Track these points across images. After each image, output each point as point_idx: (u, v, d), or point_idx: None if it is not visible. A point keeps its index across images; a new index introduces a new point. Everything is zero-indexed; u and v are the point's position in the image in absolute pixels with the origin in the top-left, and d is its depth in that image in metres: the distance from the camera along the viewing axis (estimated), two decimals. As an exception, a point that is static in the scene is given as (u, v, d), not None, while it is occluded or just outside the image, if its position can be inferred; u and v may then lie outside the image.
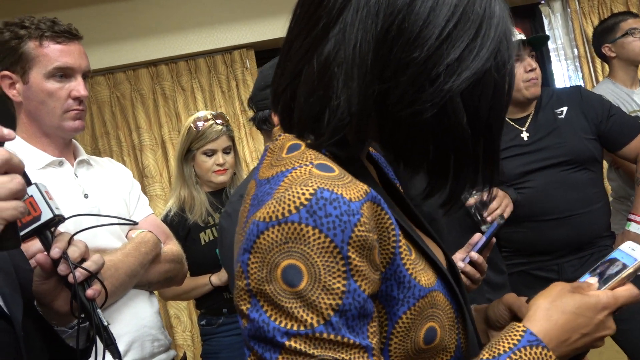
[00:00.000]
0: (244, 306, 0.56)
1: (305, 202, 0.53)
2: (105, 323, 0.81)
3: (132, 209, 1.47)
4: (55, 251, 0.79)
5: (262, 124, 1.25)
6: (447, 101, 0.57)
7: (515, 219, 1.87)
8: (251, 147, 3.26)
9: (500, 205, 1.63)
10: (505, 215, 1.63)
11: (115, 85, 3.24)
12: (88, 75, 1.37)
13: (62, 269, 0.79)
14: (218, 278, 1.95)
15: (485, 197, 1.60)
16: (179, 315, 3.12)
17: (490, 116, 0.60)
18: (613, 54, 2.35)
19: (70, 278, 0.78)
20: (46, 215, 0.78)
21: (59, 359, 0.87)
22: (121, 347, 1.26)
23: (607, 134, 1.91)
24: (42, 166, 1.32)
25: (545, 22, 3.61)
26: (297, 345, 0.53)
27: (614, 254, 0.71)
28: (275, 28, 3.23)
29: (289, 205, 0.54)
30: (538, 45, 1.97)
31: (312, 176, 0.56)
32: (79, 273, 0.80)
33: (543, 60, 3.62)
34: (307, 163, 0.58)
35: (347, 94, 0.58)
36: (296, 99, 0.62)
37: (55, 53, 1.29)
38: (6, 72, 1.29)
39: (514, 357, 0.58)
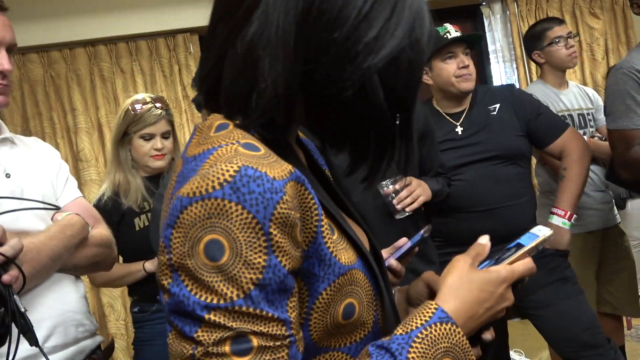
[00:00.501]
0: (165, 281, 0.57)
1: (229, 179, 0.55)
2: (23, 309, 0.78)
3: (60, 190, 1.41)
4: None
5: (201, 107, 1.24)
6: (366, 79, 0.60)
7: (447, 210, 1.94)
8: (192, 133, 3.21)
9: (412, 194, 1.67)
10: (416, 204, 1.67)
11: (50, 64, 3.10)
12: (13, 49, 1.29)
13: None
14: (152, 264, 1.91)
15: (399, 187, 1.64)
16: (112, 303, 3.04)
17: (406, 93, 0.64)
18: (542, 60, 2.47)
19: None
20: None
21: None
22: (43, 331, 1.22)
23: (535, 131, 2.01)
24: None
25: (486, 23, 3.74)
26: (217, 319, 0.54)
27: (521, 239, 0.76)
28: (221, 14, 3.18)
29: (212, 181, 0.55)
30: (474, 44, 2.04)
31: (238, 154, 0.57)
32: None
33: (482, 61, 3.76)
34: (234, 142, 0.59)
35: (273, 75, 0.59)
36: (222, 81, 0.63)
37: None
38: None
39: (424, 332, 0.61)
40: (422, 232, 1.09)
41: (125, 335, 3.01)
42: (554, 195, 2.14)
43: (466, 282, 0.66)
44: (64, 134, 3.11)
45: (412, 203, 1.67)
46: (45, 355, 0.80)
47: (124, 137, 2.03)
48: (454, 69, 1.96)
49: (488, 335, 0.69)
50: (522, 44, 3.20)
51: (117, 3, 3.08)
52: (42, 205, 1.18)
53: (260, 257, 0.55)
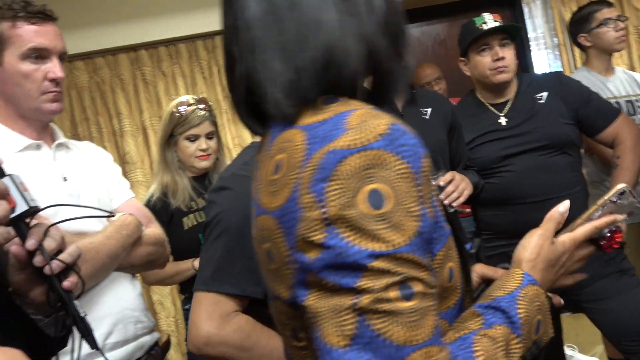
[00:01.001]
0: (317, 237, 0.57)
1: (384, 132, 0.58)
2: (82, 314, 0.81)
3: (113, 192, 1.46)
4: (31, 243, 0.78)
5: None
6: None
7: (495, 202, 1.91)
8: (233, 132, 3.25)
9: (457, 188, 1.65)
10: (462, 198, 1.65)
11: (95, 71, 3.20)
12: (64, 57, 1.35)
13: (38, 260, 0.78)
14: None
15: (441, 183, 1.63)
16: (162, 301, 3.12)
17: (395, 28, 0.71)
18: (589, 44, 2.39)
19: (47, 270, 0.77)
20: (21, 207, 0.78)
21: (35, 345, 0.86)
22: (104, 329, 1.27)
23: (586, 119, 1.95)
24: (19, 149, 1.30)
25: (525, 10, 3.65)
26: (383, 265, 0.55)
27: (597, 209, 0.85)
28: (258, 13, 3.21)
29: (368, 134, 0.58)
30: (514, 34, 2.00)
31: (380, 113, 0.61)
32: (55, 265, 0.79)
33: (523, 49, 3.67)
34: (359, 107, 0.63)
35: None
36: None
37: (29, 34, 1.26)
38: None
39: (523, 292, 0.69)
40: (469, 246, 1.06)
41: (176, 332, 3.09)
42: (603, 185, 2.08)
43: (539, 260, 0.76)
44: (110, 137, 3.21)
45: (458, 197, 1.65)
46: (104, 357, 0.83)
47: (169, 139, 2.08)
48: (488, 62, 1.94)
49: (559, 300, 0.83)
50: (566, 29, 3.10)
51: (157, 9, 3.15)
52: (98, 213, 1.22)
53: (416, 206, 0.57)
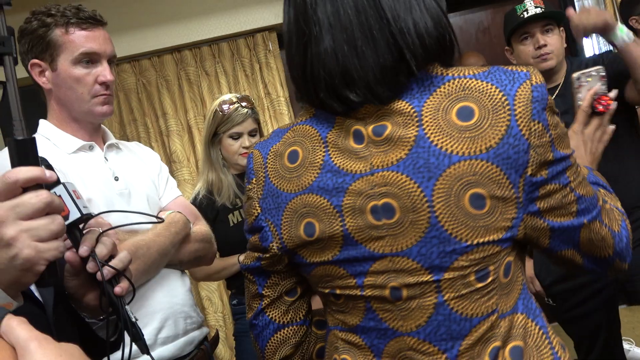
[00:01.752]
0: (550, 156, 0.72)
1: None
2: (134, 319, 0.82)
3: (162, 190, 1.50)
4: (84, 249, 0.80)
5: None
6: None
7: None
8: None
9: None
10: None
11: (141, 72, 3.28)
12: (114, 61, 1.40)
13: (90, 266, 0.80)
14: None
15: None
16: (210, 297, 3.18)
17: None
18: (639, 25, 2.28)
19: (99, 275, 0.79)
20: (74, 215, 0.79)
21: (89, 347, 0.89)
22: (155, 324, 1.31)
23: (616, 73, 1.81)
24: (73, 150, 1.35)
25: (574, -8, 3.51)
26: (573, 160, 0.77)
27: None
28: (297, 9, 3.21)
29: (539, 74, 0.75)
30: (559, 19, 1.93)
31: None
32: (107, 271, 0.81)
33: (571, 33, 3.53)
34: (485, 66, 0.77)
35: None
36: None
37: (80, 39, 1.31)
38: (36, 61, 1.32)
39: (594, 172, 0.95)
40: None
41: (224, 327, 3.15)
42: None
43: (588, 155, 1.09)
44: (157, 137, 3.29)
45: None
46: (152, 358, 0.85)
47: (214, 138, 2.12)
48: (531, 50, 1.92)
49: None
50: (617, 12, 2.96)
51: (199, 9, 3.20)
52: (146, 219, 1.25)
53: None
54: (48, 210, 0.68)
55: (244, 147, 2.08)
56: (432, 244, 0.71)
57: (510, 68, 0.74)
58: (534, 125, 0.71)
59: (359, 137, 0.76)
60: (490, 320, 0.74)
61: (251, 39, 3.29)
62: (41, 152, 1.23)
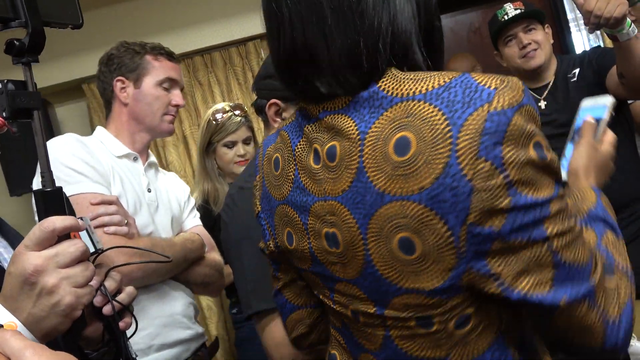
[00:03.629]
0: (503, 202, 0.58)
1: (523, 87, 0.61)
2: (134, 356, 0.83)
3: (185, 216, 1.62)
4: (94, 283, 0.79)
5: (259, 112, 1.27)
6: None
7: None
8: (271, 136, 3.28)
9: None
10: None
11: (135, 85, 3.29)
12: (182, 90, 1.62)
13: (98, 300, 0.80)
14: None
15: None
16: (211, 306, 3.18)
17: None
18: (633, 18, 2.29)
19: (105, 310, 0.78)
20: (89, 250, 0.80)
21: None
22: (151, 329, 1.34)
23: (600, 66, 1.82)
24: (119, 155, 1.51)
25: (562, -10, 3.54)
26: (557, 207, 0.60)
27: (578, 120, 1.02)
28: (288, 16, 3.23)
29: (518, 91, 0.60)
30: (540, 18, 1.95)
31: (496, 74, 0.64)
32: (114, 306, 0.81)
33: (562, 30, 3.55)
34: (459, 74, 0.64)
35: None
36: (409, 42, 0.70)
37: (167, 66, 1.57)
38: (121, 78, 1.54)
39: (603, 199, 0.78)
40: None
41: (226, 336, 3.14)
42: None
43: (592, 166, 0.88)
44: (152, 148, 3.28)
45: None
46: None
47: (208, 147, 2.12)
48: (516, 52, 1.94)
49: None
50: (606, 8, 2.97)
51: (189, 19, 3.22)
52: (159, 258, 1.27)
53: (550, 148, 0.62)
54: (82, 258, 0.71)
55: (239, 156, 2.08)
56: (370, 280, 0.67)
57: (478, 81, 0.60)
58: (480, 163, 0.57)
59: (317, 157, 0.71)
60: None
61: (243, 47, 3.30)
62: (95, 151, 1.41)
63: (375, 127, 0.64)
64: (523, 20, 1.92)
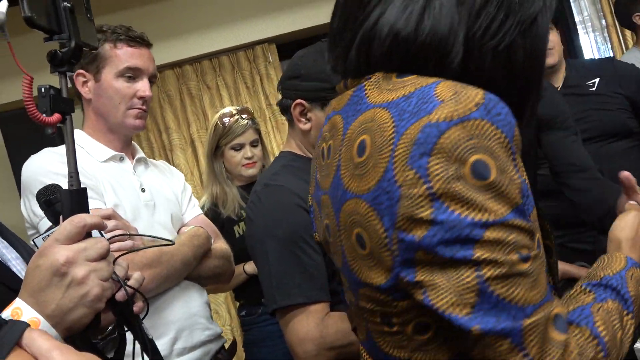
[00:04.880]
0: (424, 213, 0.57)
1: (481, 102, 0.57)
2: (150, 337, 0.85)
3: (184, 207, 1.56)
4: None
5: (284, 111, 1.29)
6: (519, 32, 0.65)
7: (548, 193, 1.85)
8: (278, 140, 3.29)
9: None
10: None
11: (143, 88, 3.31)
12: (154, 80, 1.47)
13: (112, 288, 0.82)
14: (250, 266, 1.99)
15: None
16: (217, 309, 3.19)
17: (534, 58, 0.68)
18: None
19: (118, 296, 0.81)
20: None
21: None
22: (172, 334, 1.32)
23: (634, 95, 1.86)
24: (104, 159, 1.41)
25: (570, -7, 3.53)
26: (496, 234, 0.56)
27: None
28: (296, 21, 3.24)
29: (466, 104, 0.57)
30: (555, 17, 1.94)
31: (468, 85, 0.60)
32: (127, 291, 0.83)
33: (570, 33, 3.54)
34: (439, 80, 0.61)
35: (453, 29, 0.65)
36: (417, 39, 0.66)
37: (127, 54, 1.39)
38: (81, 71, 1.39)
39: (629, 272, 0.69)
40: None
41: (232, 340, 3.14)
42: None
43: (638, 239, 0.78)
44: (160, 152, 3.31)
45: None
46: None
47: (216, 151, 2.14)
48: None
49: None
50: (615, 9, 2.97)
51: (198, 24, 3.24)
52: (160, 242, 1.28)
53: (516, 174, 0.58)
54: (106, 254, 0.75)
55: (246, 158, 2.09)
56: (346, 270, 0.70)
57: (437, 92, 0.59)
58: (407, 172, 0.57)
59: (322, 154, 0.77)
60: None
61: (251, 51, 3.32)
62: (78, 162, 1.31)
63: (351, 129, 0.67)
64: None
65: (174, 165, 3.29)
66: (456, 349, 0.63)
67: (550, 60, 1.89)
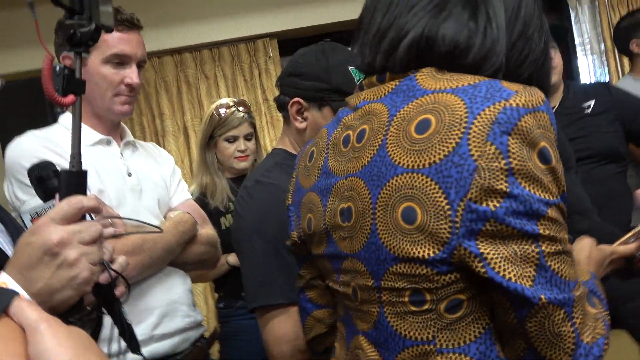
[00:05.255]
0: (501, 185, 0.63)
1: (544, 99, 0.67)
2: (129, 322, 0.85)
3: (172, 191, 1.53)
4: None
5: (281, 108, 1.28)
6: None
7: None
8: (272, 135, 3.29)
9: None
10: None
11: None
12: (143, 65, 1.44)
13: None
14: (234, 258, 1.98)
15: None
16: (195, 300, 3.17)
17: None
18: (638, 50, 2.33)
19: (101, 278, 0.80)
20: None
21: None
22: (153, 319, 1.32)
23: (637, 130, 1.90)
24: (91, 143, 1.38)
25: (572, 14, 3.56)
26: (554, 213, 0.65)
27: None
28: (299, 18, 3.24)
29: (537, 98, 0.66)
30: (559, 37, 1.96)
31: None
32: (110, 274, 0.83)
33: (569, 54, 3.58)
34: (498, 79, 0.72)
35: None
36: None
37: (114, 40, 1.35)
38: (67, 54, 1.34)
39: (596, 281, 0.80)
40: None
41: (208, 331, 3.13)
42: None
43: (592, 261, 0.93)
44: (152, 137, 3.29)
45: None
46: (143, 357, 0.88)
47: (209, 141, 2.13)
48: None
49: None
50: (614, 34, 3.01)
51: (201, 12, 3.22)
52: (148, 228, 1.27)
53: (561, 165, 0.67)
54: (98, 238, 0.74)
55: (239, 151, 2.09)
56: (371, 250, 0.72)
57: (504, 85, 0.68)
58: (487, 147, 0.64)
59: (347, 140, 0.80)
60: (425, 349, 0.70)
61: (252, 44, 3.31)
62: (62, 142, 1.28)
63: (404, 110, 0.71)
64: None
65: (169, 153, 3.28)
66: (482, 327, 0.69)
67: (553, 78, 1.92)
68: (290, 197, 0.94)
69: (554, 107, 1.96)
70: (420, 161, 0.67)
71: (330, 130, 0.86)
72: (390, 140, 0.71)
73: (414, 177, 0.67)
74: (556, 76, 1.92)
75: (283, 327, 1.09)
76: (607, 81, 3.23)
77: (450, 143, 0.65)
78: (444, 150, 0.66)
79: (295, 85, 1.22)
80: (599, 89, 1.99)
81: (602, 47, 3.52)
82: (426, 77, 0.73)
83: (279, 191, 1.12)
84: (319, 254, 0.86)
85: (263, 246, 1.13)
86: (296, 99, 1.22)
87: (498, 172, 0.63)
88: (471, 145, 0.64)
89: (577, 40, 3.57)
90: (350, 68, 1.19)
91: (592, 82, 3.40)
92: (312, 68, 1.21)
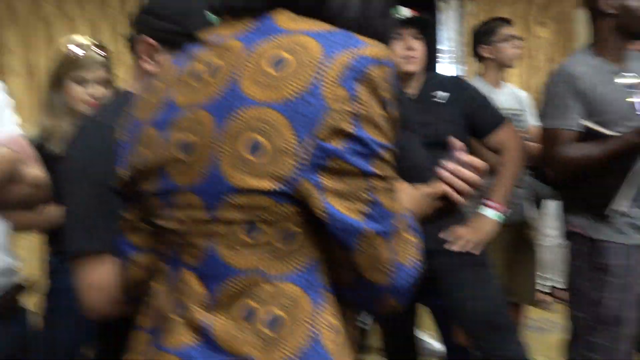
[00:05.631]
0: (348, 127, 0.69)
1: (391, 55, 0.74)
2: None
3: None
4: None
5: (131, 48, 1.20)
6: None
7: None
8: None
9: None
10: None
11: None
12: None
13: None
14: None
15: None
16: (26, 255, 2.92)
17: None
18: (489, 55, 2.59)
19: None
20: None
21: None
22: None
23: (477, 121, 2.08)
24: None
25: (440, 16, 3.81)
26: (387, 156, 0.72)
27: None
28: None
29: (385, 53, 0.72)
30: (424, 29, 2.08)
31: None
32: None
33: (433, 49, 3.83)
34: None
35: None
36: None
37: None
38: None
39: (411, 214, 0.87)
40: None
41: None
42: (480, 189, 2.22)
43: (409, 194, 0.97)
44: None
45: None
46: None
47: (58, 80, 1.95)
48: (399, 50, 2.01)
49: None
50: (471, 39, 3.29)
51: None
52: None
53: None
54: None
55: (90, 95, 1.93)
56: (211, 182, 0.72)
57: (358, 36, 0.72)
58: (338, 90, 0.68)
59: (197, 74, 0.78)
60: (253, 278, 0.73)
61: (122, -12, 3.08)
62: None
63: (261, 47, 0.73)
64: (413, 28, 2.03)
65: (8, 92, 2.94)
66: (311, 259, 0.75)
67: (412, 67, 2.03)
68: (123, 132, 0.89)
69: (413, 94, 2.08)
70: (273, 96, 0.69)
71: (179, 64, 0.83)
72: (245, 75, 0.71)
73: (264, 111, 0.69)
74: (417, 65, 2.04)
75: (98, 275, 1.02)
76: (460, 75, 3.51)
77: (305, 82, 0.68)
78: (298, 89, 0.68)
79: (149, 24, 1.15)
80: (453, 81, 2.16)
81: (463, 50, 3.83)
82: (285, 19, 0.76)
83: (112, 132, 1.05)
84: (150, 191, 0.82)
85: (88, 189, 1.05)
86: (149, 39, 1.14)
87: (346, 114, 0.68)
88: (325, 86, 0.68)
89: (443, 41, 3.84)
90: (209, 15, 1.14)
91: (450, 75, 3.69)
92: (170, 9, 1.14)
